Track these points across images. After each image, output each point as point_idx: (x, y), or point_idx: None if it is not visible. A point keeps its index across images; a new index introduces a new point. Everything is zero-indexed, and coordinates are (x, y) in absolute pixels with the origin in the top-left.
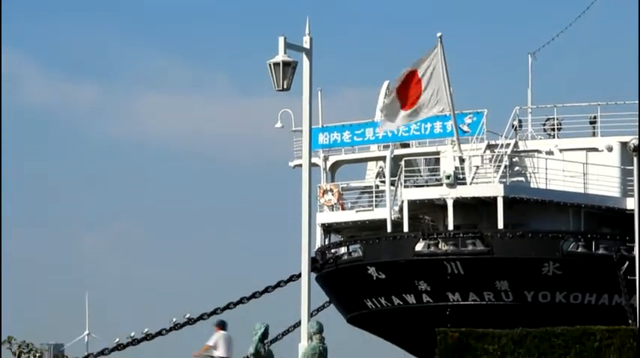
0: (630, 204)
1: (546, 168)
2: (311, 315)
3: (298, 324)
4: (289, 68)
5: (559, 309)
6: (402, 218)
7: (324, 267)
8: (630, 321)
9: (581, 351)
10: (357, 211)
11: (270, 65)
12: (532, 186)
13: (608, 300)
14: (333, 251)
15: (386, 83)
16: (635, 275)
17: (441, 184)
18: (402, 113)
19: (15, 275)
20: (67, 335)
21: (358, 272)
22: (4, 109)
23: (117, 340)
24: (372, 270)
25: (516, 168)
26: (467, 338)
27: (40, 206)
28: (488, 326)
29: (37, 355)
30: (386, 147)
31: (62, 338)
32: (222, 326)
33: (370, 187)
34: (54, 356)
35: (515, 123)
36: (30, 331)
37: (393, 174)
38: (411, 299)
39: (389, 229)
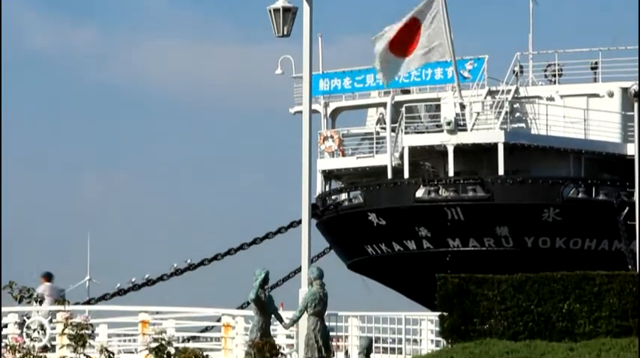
0: (631, 149)
1: (547, 114)
2: (311, 261)
3: (299, 270)
4: (289, 14)
5: (559, 255)
6: (402, 164)
7: (324, 214)
8: (630, 266)
9: (580, 296)
10: (357, 158)
11: (270, 11)
12: (533, 132)
13: (608, 246)
14: (333, 197)
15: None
16: (635, 221)
17: (442, 130)
18: (403, 60)
19: (16, 219)
20: (68, 281)
21: (359, 219)
22: (4, 53)
23: (118, 285)
24: (372, 216)
25: (517, 114)
26: (467, 283)
27: (40, 150)
28: (488, 271)
29: (39, 300)
30: (386, 93)
31: (63, 283)
32: (48, 277)
33: (371, 134)
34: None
35: (516, 69)
36: (31, 276)
37: (394, 120)
38: (411, 245)
39: (389, 175)
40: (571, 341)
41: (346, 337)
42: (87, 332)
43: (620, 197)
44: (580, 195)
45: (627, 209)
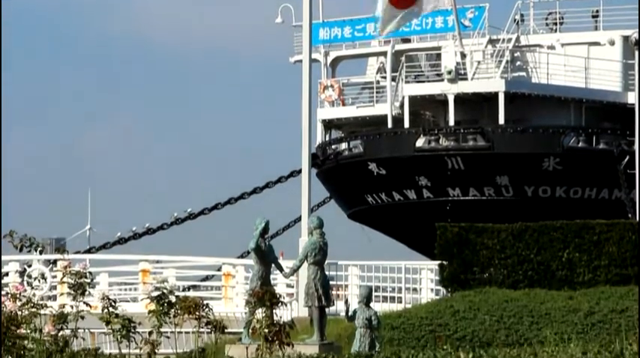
0: (631, 98)
1: (548, 63)
2: (311, 211)
3: (299, 219)
4: None
5: (559, 204)
6: (402, 114)
7: (324, 163)
8: (630, 215)
9: (580, 245)
10: (357, 107)
11: None
12: (533, 81)
13: (608, 195)
14: (333, 147)
15: None
16: (635, 170)
17: (442, 80)
18: (402, 11)
19: (16, 170)
20: (68, 231)
21: (359, 168)
22: (4, 7)
23: (118, 234)
24: (372, 166)
25: (518, 63)
26: (466, 232)
27: (42, 102)
28: (488, 221)
29: (39, 249)
30: (387, 42)
31: (64, 233)
32: None
33: (371, 83)
34: (55, 249)
35: (517, 17)
36: (32, 226)
37: (394, 69)
38: (411, 194)
39: (390, 125)
40: (570, 290)
41: (346, 286)
42: (86, 280)
43: (621, 146)
44: (580, 144)
45: (627, 158)
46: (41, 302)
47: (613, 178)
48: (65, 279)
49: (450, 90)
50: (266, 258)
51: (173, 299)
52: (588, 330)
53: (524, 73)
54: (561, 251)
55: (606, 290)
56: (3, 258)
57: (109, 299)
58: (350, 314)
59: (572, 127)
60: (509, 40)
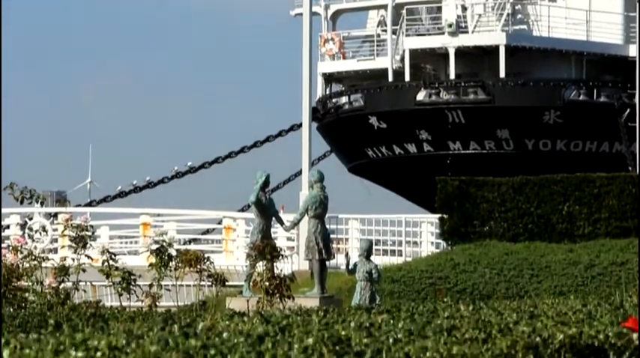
0: (632, 51)
1: (549, 16)
2: (312, 164)
3: (299, 173)
4: None
5: (559, 157)
6: (403, 67)
7: (325, 117)
8: (630, 168)
9: (580, 198)
10: (358, 60)
11: None
12: (534, 34)
13: (609, 148)
14: (334, 100)
15: None
16: (635, 122)
17: (443, 33)
18: None
19: (17, 123)
20: (69, 184)
21: (359, 122)
22: None
23: (119, 187)
24: (373, 120)
25: (519, 15)
26: (467, 186)
27: (42, 54)
28: (488, 174)
29: (40, 201)
30: None
31: (64, 186)
32: None
33: (371, 36)
34: (56, 201)
35: None
36: (32, 179)
37: (395, 22)
38: (412, 148)
39: (390, 78)
40: (570, 243)
41: (346, 239)
42: (87, 233)
43: (622, 99)
44: (581, 97)
45: (628, 110)
46: (42, 255)
47: (614, 131)
48: (66, 232)
49: (450, 43)
50: (267, 211)
51: (173, 252)
52: (588, 283)
53: (525, 26)
54: (561, 204)
55: (606, 243)
56: (4, 210)
57: (109, 252)
58: (350, 267)
59: (572, 80)
60: None
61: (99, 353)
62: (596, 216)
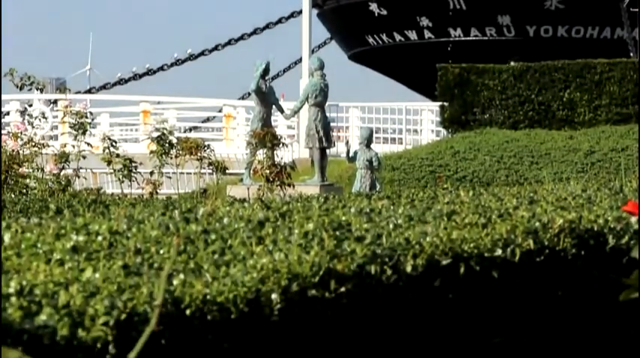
0: None
1: None
2: (312, 52)
3: (299, 61)
4: None
5: (561, 44)
6: None
7: (325, 3)
8: (631, 54)
9: (581, 84)
10: None
11: None
12: None
13: (610, 34)
14: None
15: None
16: (637, 7)
17: None
18: None
19: (16, 8)
20: (68, 71)
21: (360, 9)
22: None
23: (119, 74)
24: (373, 6)
25: None
26: (467, 73)
27: None
28: (489, 61)
29: (40, 87)
30: None
31: (63, 72)
32: None
33: None
34: (56, 88)
35: None
36: (31, 64)
37: None
38: (412, 35)
39: None
40: (571, 129)
41: (347, 127)
42: (87, 120)
43: None
44: None
45: None
46: (43, 142)
47: (615, 16)
48: (66, 119)
49: None
50: (267, 99)
51: (174, 140)
52: (588, 169)
53: None
54: (562, 91)
55: (606, 130)
56: (3, 96)
57: (110, 139)
58: (351, 155)
59: None
60: None
61: (100, 238)
62: (596, 103)
